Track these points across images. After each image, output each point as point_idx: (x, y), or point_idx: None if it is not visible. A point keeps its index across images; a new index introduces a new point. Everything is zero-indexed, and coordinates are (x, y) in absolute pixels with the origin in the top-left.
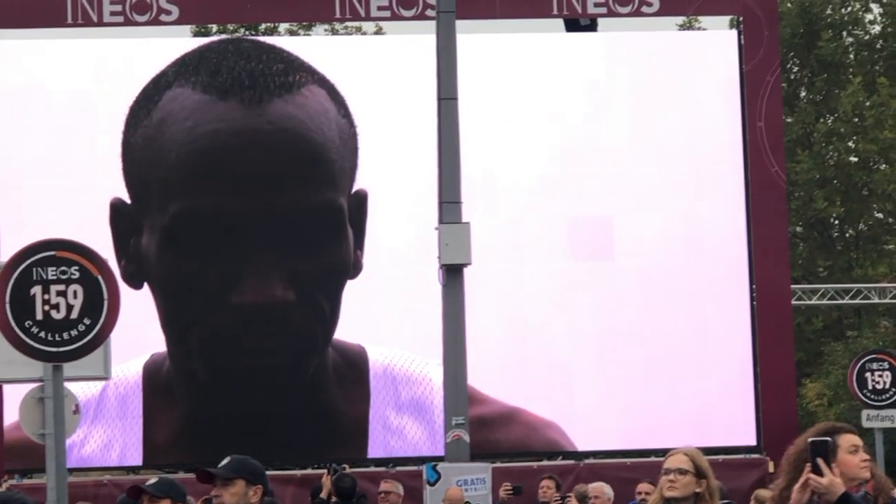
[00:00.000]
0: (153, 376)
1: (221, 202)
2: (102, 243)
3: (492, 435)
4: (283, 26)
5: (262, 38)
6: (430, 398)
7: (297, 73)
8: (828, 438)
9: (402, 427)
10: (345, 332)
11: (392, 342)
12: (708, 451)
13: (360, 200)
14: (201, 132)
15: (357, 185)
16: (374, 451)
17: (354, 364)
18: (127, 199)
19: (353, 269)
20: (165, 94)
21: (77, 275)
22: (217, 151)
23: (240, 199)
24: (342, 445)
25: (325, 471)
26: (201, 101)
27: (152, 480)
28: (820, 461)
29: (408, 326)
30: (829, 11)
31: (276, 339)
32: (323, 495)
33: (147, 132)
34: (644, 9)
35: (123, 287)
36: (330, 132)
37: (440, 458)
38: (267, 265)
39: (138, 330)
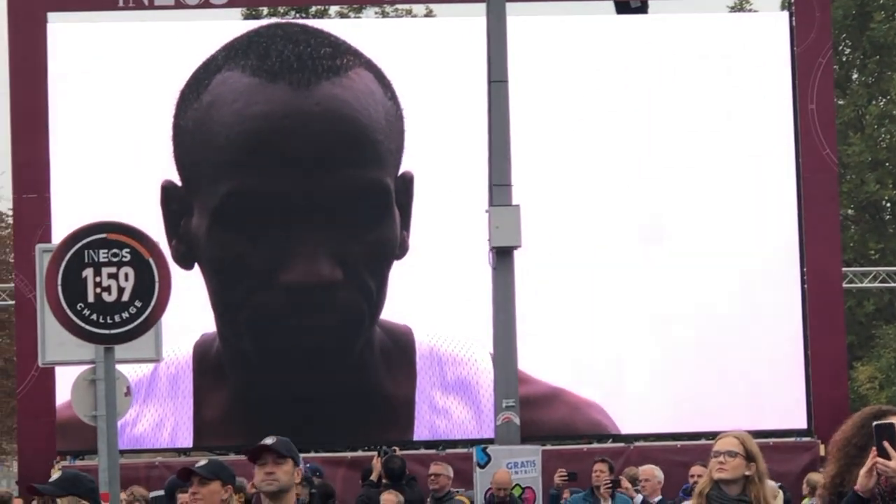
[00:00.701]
0: (203, 356)
1: (270, 182)
2: (154, 225)
3: (535, 415)
4: (333, 9)
5: (310, 22)
6: (475, 379)
7: (345, 56)
8: (893, 421)
9: (447, 408)
10: (392, 313)
11: (438, 323)
12: (759, 434)
13: (407, 182)
14: (250, 114)
15: (404, 168)
16: (419, 432)
17: (401, 344)
18: (178, 181)
19: (400, 249)
20: (215, 77)
21: (128, 257)
22: (265, 132)
23: (288, 180)
24: (388, 426)
25: (375, 453)
26: (250, 83)
27: (202, 462)
28: (886, 444)
29: (454, 308)
30: None
31: (323, 317)
32: (373, 477)
33: (197, 115)
34: None
35: (174, 268)
36: (376, 113)
37: (486, 440)
38: (315, 244)
39: (189, 310)
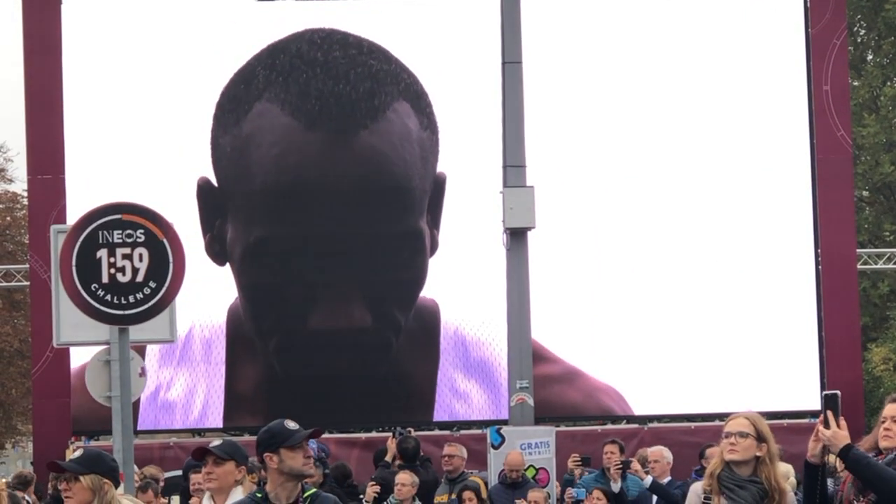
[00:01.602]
0: (236, 324)
1: (302, 233)
2: (167, 205)
3: (551, 394)
4: None
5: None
6: (497, 361)
7: (383, 90)
8: (837, 392)
9: (468, 391)
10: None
11: (462, 303)
12: (772, 415)
13: (440, 183)
14: (287, 163)
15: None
16: (439, 414)
17: (427, 326)
18: (213, 181)
19: (431, 250)
20: (255, 105)
21: (143, 238)
22: (301, 184)
23: (321, 230)
24: (409, 408)
25: (389, 434)
26: (289, 126)
27: (216, 442)
28: (829, 413)
29: (476, 289)
30: None
31: (351, 359)
32: (388, 458)
33: (235, 143)
34: None
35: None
36: (412, 157)
37: (500, 421)
38: (346, 290)
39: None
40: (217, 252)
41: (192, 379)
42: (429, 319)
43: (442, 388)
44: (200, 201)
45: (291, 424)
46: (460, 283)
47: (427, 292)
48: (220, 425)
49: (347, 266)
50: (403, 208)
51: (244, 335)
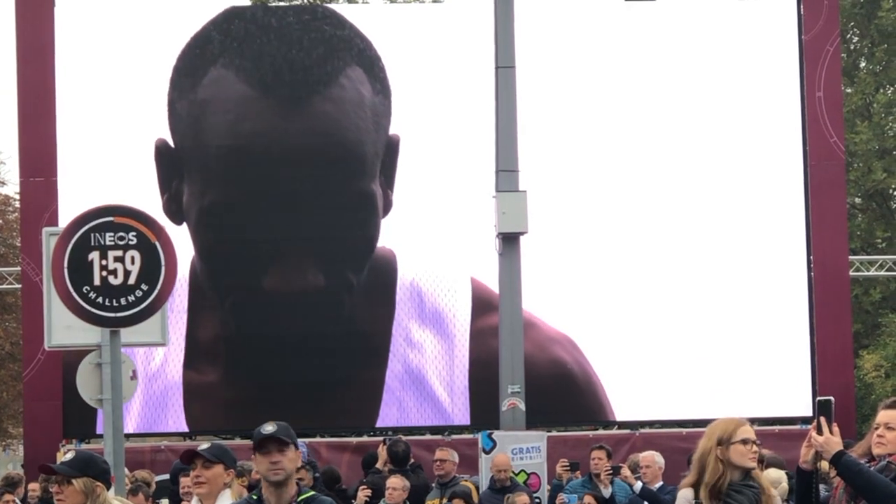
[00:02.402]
0: (196, 277)
1: (255, 197)
2: (160, 209)
3: (540, 401)
4: None
5: (308, 5)
6: (451, 311)
7: (336, 55)
8: (831, 398)
9: (422, 341)
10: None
11: (418, 257)
12: (764, 421)
13: (393, 145)
14: (241, 129)
15: (405, 137)
16: (393, 364)
17: (383, 278)
18: (171, 142)
19: (384, 211)
20: (210, 70)
21: (135, 241)
22: (255, 149)
23: (273, 195)
24: (365, 360)
25: (380, 439)
26: (243, 93)
27: (205, 445)
28: (822, 420)
29: (433, 242)
30: None
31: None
32: (379, 465)
33: (192, 109)
34: None
35: (165, 220)
36: (364, 122)
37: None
38: (299, 251)
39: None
40: (174, 211)
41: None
42: (385, 272)
43: (397, 338)
44: (158, 162)
45: (267, 428)
46: (418, 237)
47: (385, 244)
48: (181, 374)
49: (301, 229)
50: (355, 173)
51: (204, 287)
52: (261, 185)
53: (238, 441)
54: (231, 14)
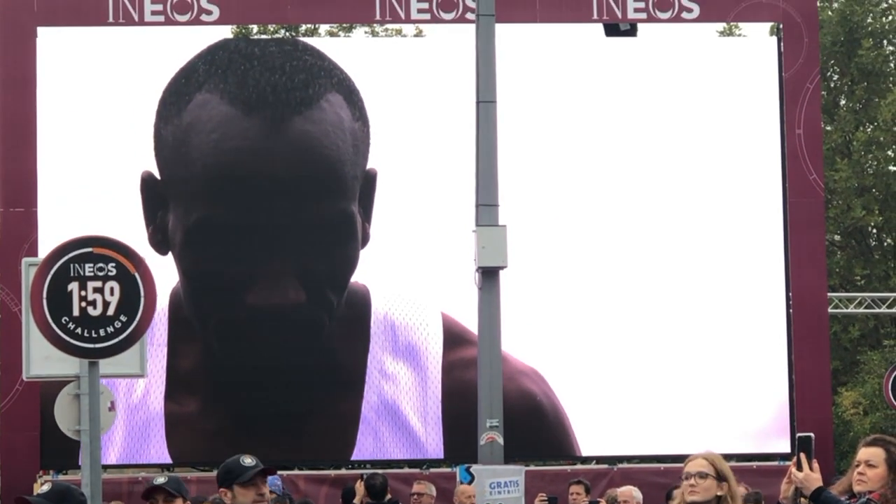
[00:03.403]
0: (177, 308)
1: (240, 213)
2: (141, 240)
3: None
4: (323, 28)
5: (290, 38)
6: (423, 344)
7: (317, 81)
8: (811, 434)
9: (396, 373)
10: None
11: (391, 291)
12: (741, 457)
13: (371, 179)
14: (225, 147)
15: (383, 170)
16: (368, 394)
17: (358, 312)
18: (157, 174)
19: (362, 242)
20: (196, 96)
21: (114, 272)
22: (239, 167)
23: (258, 211)
24: (341, 389)
25: (358, 473)
26: (227, 114)
27: (162, 479)
28: (802, 456)
29: (405, 275)
30: (869, 20)
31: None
32: (356, 501)
33: (177, 133)
34: (684, 15)
35: (150, 252)
36: (344, 143)
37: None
38: (281, 268)
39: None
40: (159, 241)
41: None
42: (360, 305)
43: (371, 370)
44: (144, 194)
45: (247, 460)
46: (392, 271)
47: (358, 279)
48: (162, 405)
49: (283, 246)
50: (335, 191)
51: (184, 318)
52: (244, 202)
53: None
54: (215, 46)
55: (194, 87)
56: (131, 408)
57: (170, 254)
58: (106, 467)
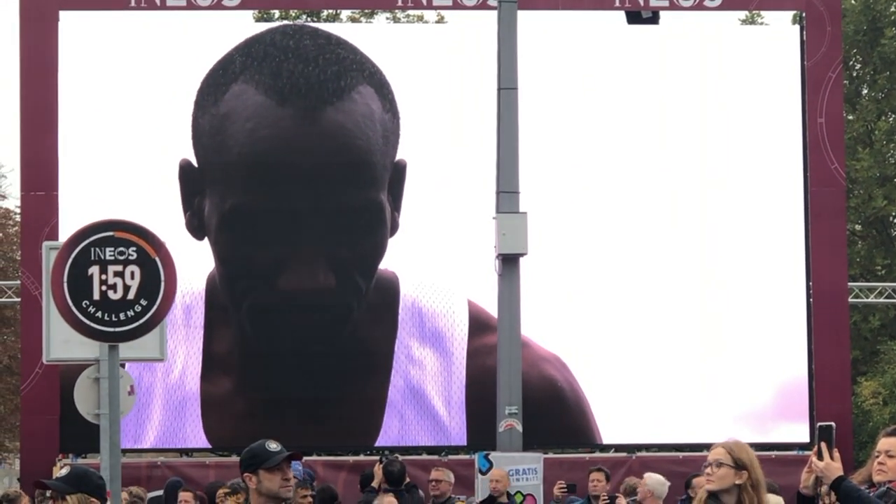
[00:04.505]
0: (213, 292)
1: (273, 202)
2: (161, 223)
3: (536, 422)
4: (344, 13)
5: (322, 26)
6: (450, 331)
7: (349, 73)
8: (832, 423)
9: (422, 358)
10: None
11: (419, 278)
12: (761, 446)
13: (400, 169)
14: (260, 136)
15: (409, 162)
16: (395, 379)
17: (386, 298)
18: (194, 162)
19: (392, 230)
20: (232, 86)
21: (135, 255)
22: (273, 155)
23: (290, 199)
24: (368, 374)
25: (377, 458)
26: (262, 103)
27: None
28: (823, 445)
29: (433, 263)
30: (892, 9)
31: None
32: (374, 484)
33: (214, 122)
34: (706, 2)
35: (187, 236)
36: (374, 134)
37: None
38: (312, 255)
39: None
40: (196, 227)
41: (173, 342)
42: (389, 291)
43: (399, 355)
44: (182, 181)
45: (273, 445)
46: (419, 258)
47: (388, 266)
48: (198, 386)
49: (314, 233)
50: (365, 180)
51: (220, 302)
52: (277, 190)
53: (235, 458)
54: (252, 39)
55: (231, 78)
56: (169, 388)
57: (206, 239)
58: (125, 451)
